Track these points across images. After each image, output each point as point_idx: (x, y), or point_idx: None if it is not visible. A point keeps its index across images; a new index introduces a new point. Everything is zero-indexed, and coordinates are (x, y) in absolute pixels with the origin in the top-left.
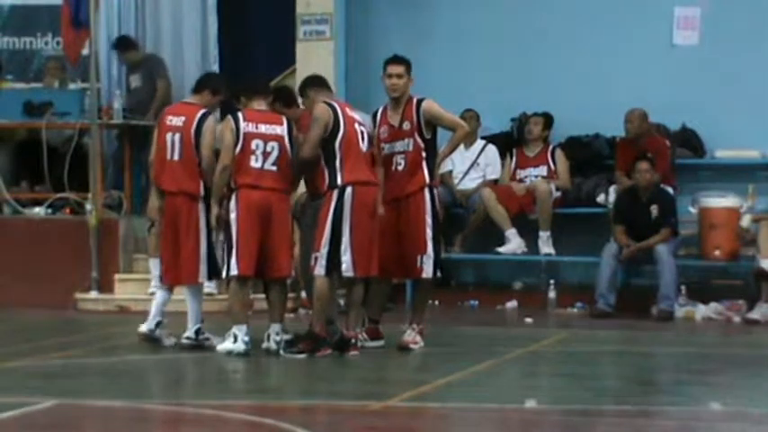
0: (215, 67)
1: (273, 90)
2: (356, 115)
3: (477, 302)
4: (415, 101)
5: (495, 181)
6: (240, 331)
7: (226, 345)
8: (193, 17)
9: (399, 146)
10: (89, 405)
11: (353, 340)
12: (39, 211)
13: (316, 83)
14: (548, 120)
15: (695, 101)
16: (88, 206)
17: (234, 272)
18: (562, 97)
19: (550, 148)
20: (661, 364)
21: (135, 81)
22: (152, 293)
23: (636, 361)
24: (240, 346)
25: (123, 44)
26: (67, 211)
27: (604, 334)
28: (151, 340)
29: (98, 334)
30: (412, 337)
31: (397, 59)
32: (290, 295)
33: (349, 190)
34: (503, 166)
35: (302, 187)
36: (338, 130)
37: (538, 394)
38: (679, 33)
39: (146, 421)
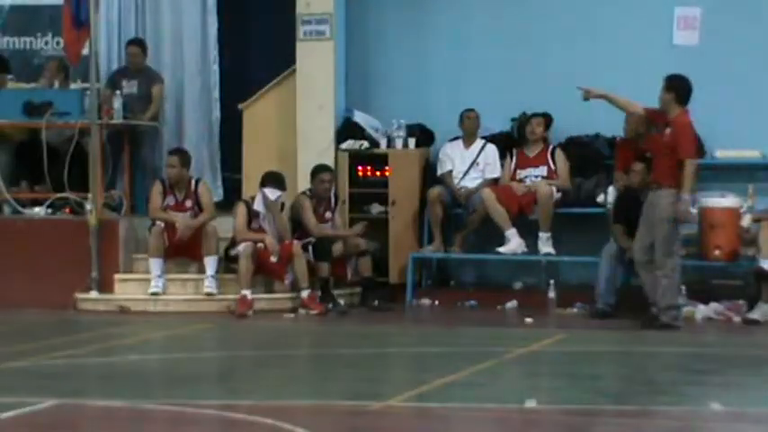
0: (215, 68)
1: None
2: None
3: (477, 302)
4: None
5: (496, 180)
6: None
7: None
8: (193, 17)
9: None
10: (89, 405)
11: None
12: (39, 211)
13: None
14: (548, 120)
15: (695, 101)
16: (88, 206)
17: None
18: (562, 97)
19: (550, 148)
20: (661, 364)
21: (131, 87)
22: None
23: (636, 361)
24: None
25: (144, 46)
26: (67, 211)
27: (604, 334)
28: None
29: (98, 334)
30: None
31: None
32: (290, 295)
33: None
34: (502, 166)
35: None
36: None
37: (538, 394)
38: (679, 33)
39: (146, 421)
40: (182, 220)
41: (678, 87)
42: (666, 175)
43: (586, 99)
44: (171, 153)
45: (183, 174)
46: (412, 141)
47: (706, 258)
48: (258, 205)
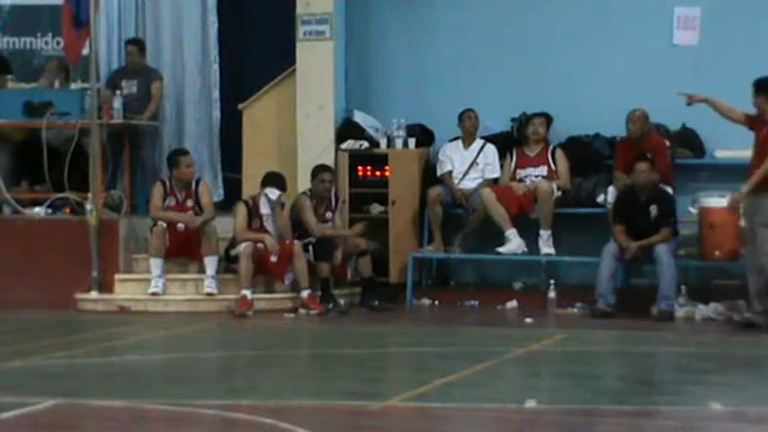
0: (215, 68)
1: None
2: None
3: (477, 302)
4: None
5: (495, 180)
6: None
7: None
8: (193, 17)
9: None
10: (89, 405)
11: None
12: (39, 211)
13: None
14: (548, 120)
15: None
16: (88, 206)
17: None
18: (562, 97)
19: (550, 148)
20: (661, 364)
21: (130, 87)
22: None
23: (636, 361)
24: None
25: (142, 45)
26: (67, 211)
27: (604, 334)
28: None
29: (98, 334)
30: None
31: None
32: (290, 295)
33: None
34: (502, 166)
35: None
36: None
37: (538, 394)
38: (679, 33)
39: (146, 421)
40: (184, 217)
41: None
42: None
43: (689, 104)
44: (183, 153)
45: None
46: (412, 141)
47: (706, 258)
48: (264, 207)
